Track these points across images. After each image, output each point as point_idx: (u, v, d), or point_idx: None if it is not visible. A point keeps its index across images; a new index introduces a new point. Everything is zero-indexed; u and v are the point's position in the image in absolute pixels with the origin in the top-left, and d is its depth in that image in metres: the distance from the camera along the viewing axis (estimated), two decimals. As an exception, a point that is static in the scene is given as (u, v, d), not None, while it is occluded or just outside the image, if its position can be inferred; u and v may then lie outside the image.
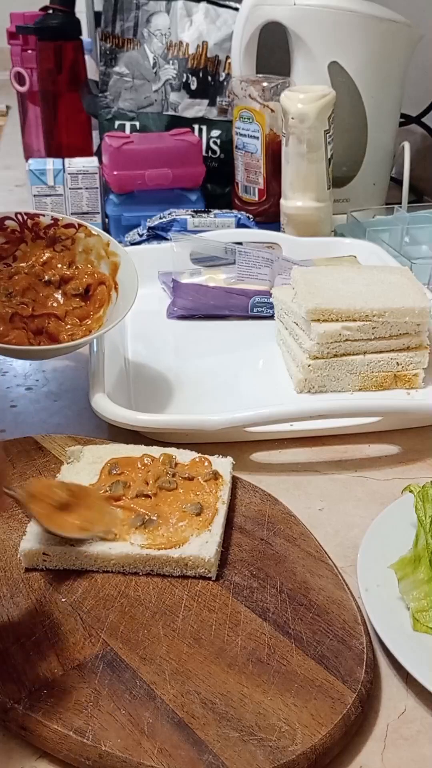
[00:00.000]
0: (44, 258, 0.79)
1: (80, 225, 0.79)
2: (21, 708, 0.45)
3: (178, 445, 0.66)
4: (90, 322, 0.76)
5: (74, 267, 0.79)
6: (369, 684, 0.47)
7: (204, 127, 1.26)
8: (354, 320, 0.76)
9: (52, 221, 0.79)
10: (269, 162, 1.15)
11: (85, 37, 1.54)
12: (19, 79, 1.51)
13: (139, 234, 1.09)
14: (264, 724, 0.44)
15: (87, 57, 1.48)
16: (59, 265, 0.79)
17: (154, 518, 0.57)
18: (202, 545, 0.55)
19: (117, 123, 1.28)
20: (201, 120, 1.26)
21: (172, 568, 0.55)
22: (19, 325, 0.75)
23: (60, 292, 0.79)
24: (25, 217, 0.79)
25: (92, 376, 0.73)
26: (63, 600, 0.53)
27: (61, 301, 0.78)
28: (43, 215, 0.79)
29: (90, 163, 1.17)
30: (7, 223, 0.78)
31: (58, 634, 0.50)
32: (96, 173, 1.16)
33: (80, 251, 0.80)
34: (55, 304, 0.78)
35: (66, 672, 0.47)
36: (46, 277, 0.79)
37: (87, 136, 1.43)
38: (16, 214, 0.79)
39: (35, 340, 0.75)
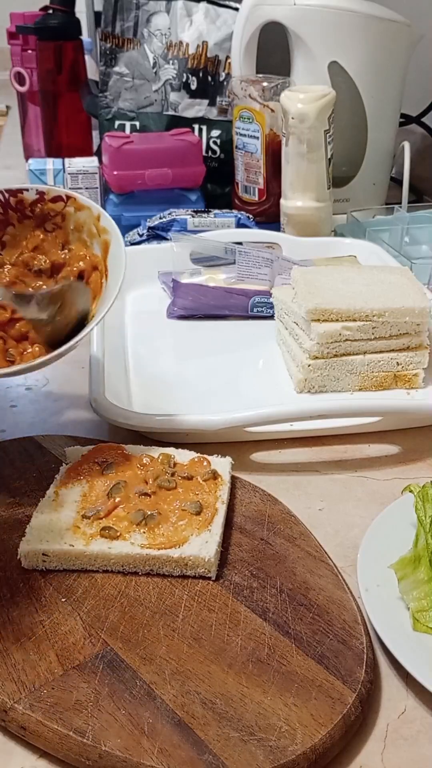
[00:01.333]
0: (36, 242, 0.71)
1: (69, 197, 0.70)
2: (21, 708, 0.45)
3: (177, 445, 0.66)
4: None
5: (67, 249, 0.71)
6: (369, 684, 0.47)
7: (204, 127, 1.26)
8: (354, 320, 0.76)
9: (38, 195, 0.70)
10: (269, 162, 1.15)
11: (85, 37, 1.54)
12: (19, 79, 1.52)
13: (139, 234, 1.09)
14: (264, 724, 0.44)
15: (87, 57, 1.48)
16: (52, 249, 0.71)
17: (156, 514, 0.57)
18: (202, 545, 0.55)
19: (117, 123, 1.28)
20: (201, 120, 1.26)
21: (171, 568, 0.55)
22: None
23: (53, 282, 0.70)
24: (7, 195, 0.69)
25: (92, 376, 0.73)
26: (63, 600, 0.53)
27: None
28: (27, 190, 0.70)
29: (90, 163, 1.17)
30: None
31: (58, 634, 0.50)
32: (96, 173, 1.16)
33: (72, 229, 0.70)
34: None
35: (66, 672, 0.47)
36: (36, 266, 0.70)
37: (87, 136, 1.43)
38: None
39: (17, 348, 0.68)
